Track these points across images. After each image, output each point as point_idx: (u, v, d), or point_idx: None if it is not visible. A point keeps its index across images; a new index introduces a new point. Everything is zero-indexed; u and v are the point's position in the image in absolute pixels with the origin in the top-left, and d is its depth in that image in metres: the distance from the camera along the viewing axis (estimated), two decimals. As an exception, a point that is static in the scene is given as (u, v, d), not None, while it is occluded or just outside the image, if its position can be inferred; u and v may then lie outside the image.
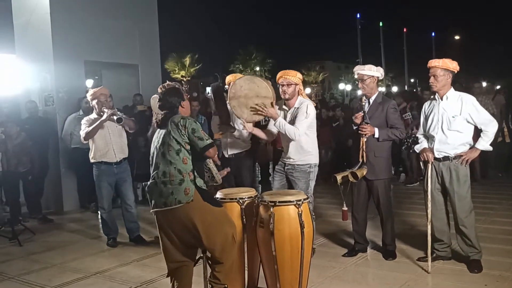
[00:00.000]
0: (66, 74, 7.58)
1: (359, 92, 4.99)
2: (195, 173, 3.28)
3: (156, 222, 3.37)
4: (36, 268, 4.79)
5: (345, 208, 4.38)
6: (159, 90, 3.44)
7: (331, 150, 9.36)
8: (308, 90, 45.67)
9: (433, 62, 4.13)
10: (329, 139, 9.11)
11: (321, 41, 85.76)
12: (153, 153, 3.38)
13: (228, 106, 4.56)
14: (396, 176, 8.63)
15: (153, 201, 3.29)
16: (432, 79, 4.12)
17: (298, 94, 4.51)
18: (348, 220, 4.66)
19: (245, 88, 4.28)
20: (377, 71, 4.41)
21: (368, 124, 4.34)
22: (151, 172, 3.37)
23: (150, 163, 3.40)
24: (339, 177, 4.25)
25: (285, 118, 4.48)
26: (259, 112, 4.30)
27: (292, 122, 4.42)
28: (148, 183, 3.35)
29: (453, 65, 4.10)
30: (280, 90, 4.49)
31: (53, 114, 7.59)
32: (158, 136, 3.39)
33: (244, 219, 3.63)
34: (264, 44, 64.73)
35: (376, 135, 4.35)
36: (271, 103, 4.29)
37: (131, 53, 8.61)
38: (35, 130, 7.01)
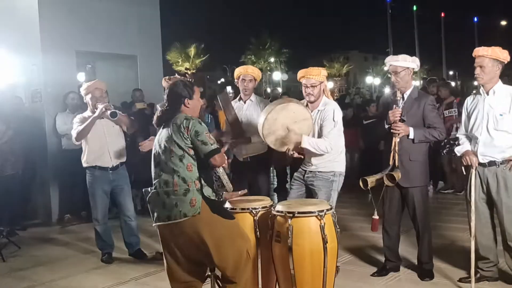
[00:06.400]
0: (56, 66, 7.64)
1: (387, 90, 4.98)
2: (202, 181, 3.28)
3: (160, 237, 3.37)
4: (22, 286, 4.82)
5: (376, 217, 4.31)
6: (164, 83, 3.46)
7: (359, 152, 9.26)
8: (330, 85, 45.62)
9: (481, 51, 4.09)
10: (356, 141, 9.04)
11: (346, 28, 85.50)
12: (155, 157, 3.39)
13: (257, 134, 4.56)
14: (433, 183, 8.54)
15: (155, 214, 3.30)
16: (478, 70, 4.08)
17: (323, 93, 4.52)
18: (378, 233, 4.62)
19: (280, 119, 4.30)
20: (412, 62, 4.38)
21: (403, 123, 4.31)
22: (153, 179, 3.37)
23: (152, 169, 3.41)
24: (370, 180, 4.20)
25: None
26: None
27: (318, 128, 4.43)
28: (149, 192, 3.36)
29: (504, 55, 4.06)
30: (304, 92, 4.50)
31: (41, 112, 7.66)
32: (159, 138, 3.39)
33: (258, 233, 3.62)
34: (280, 31, 64.95)
35: (411, 136, 4.32)
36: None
37: (129, 43, 8.66)
38: (21, 130, 7.08)
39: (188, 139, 3.24)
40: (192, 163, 3.26)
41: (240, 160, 5.04)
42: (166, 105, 3.42)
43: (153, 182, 3.36)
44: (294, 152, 4.39)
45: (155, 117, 3.48)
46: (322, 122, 4.41)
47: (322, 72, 4.48)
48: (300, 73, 4.53)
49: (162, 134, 3.37)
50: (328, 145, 4.33)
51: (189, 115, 3.36)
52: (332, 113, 4.39)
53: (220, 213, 3.30)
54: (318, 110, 4.47)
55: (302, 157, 4.48)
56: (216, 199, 3.39)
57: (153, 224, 3.35)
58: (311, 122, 4.37)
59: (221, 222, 3.27)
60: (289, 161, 7.55)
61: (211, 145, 3.26)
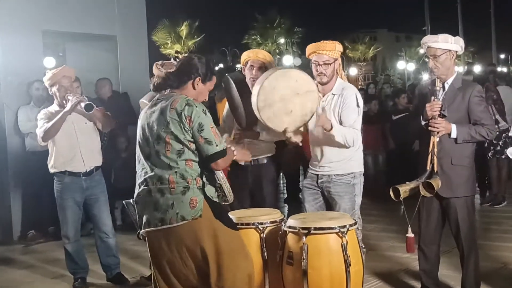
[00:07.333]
0: (18, 49, 7.66)
1: (425, 76, 4.95)
2: (204, 179, 3.27)
3: (149, 250, 3.36)
4: (-24, 318, 4.86)
5: (410, 235, 4.32)
6: (155, 70, 3.46)
7: (385, 154, 9.22)
8: (353, 71, 45.67)
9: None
10: (382, 141, 9.01)
11: (373, 2, 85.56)
12: (142, 146, 3.35)
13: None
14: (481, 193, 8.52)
15: (144, 218, 3.28)
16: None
17: (337, 74, 4.52)
18: (412, 254, 4.62)
19: (279, 89, 4.24)
20: (455, 43, 4.38)
21: (443, 118, 4.30)
22: (140, 174, 3.35)
23: (137, 159, 3.38)
24: (403, 189, 4.19)
25: None
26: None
27: (336, 116, 4.41)
28: (132, 204, 3.34)
29: None
30: (315, 71, 4.49)
31: (-2, 105, 7.69)
32: (148, 118, 3.33)
33: (266, 253, 3.64)
34: (291, 6, 64.81)
35: (454, 135, 4.31)
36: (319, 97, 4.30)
37: (107, 21, 8.68)
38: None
39: (189, 131, 3.22)
40: (192, 159, 3.25)
41: (240, 164, 5.00)
42: (174, 69, 3.43)
43: (141, 176, 3.33)
44: (293, 135, 4.29)
45: (155, 80, 3.46)
46: (342, 110, 4.40)
47: (337, 47, 4.48)
48: (310, 48, 4.51)
49: (155, 115, 3.32)
50: (356, 137, 4.34)
51: (192, 98, 3.35)
52: (355, 99, 4.40)
53: (223, 220, 3.29)
54: (333, 95, 4.47)
55: (300, 143, 4.43)
56: (219, 202, 3.37)
57: (141, 231, 3.32)
58: (316, 96, 4.31)
59: (224, 232, 3.25)
60: (300, 165, 7.50)
61: (216, 145, 3.25)
